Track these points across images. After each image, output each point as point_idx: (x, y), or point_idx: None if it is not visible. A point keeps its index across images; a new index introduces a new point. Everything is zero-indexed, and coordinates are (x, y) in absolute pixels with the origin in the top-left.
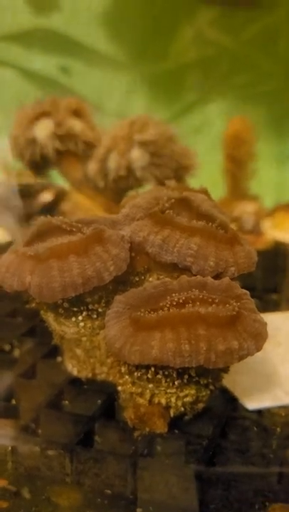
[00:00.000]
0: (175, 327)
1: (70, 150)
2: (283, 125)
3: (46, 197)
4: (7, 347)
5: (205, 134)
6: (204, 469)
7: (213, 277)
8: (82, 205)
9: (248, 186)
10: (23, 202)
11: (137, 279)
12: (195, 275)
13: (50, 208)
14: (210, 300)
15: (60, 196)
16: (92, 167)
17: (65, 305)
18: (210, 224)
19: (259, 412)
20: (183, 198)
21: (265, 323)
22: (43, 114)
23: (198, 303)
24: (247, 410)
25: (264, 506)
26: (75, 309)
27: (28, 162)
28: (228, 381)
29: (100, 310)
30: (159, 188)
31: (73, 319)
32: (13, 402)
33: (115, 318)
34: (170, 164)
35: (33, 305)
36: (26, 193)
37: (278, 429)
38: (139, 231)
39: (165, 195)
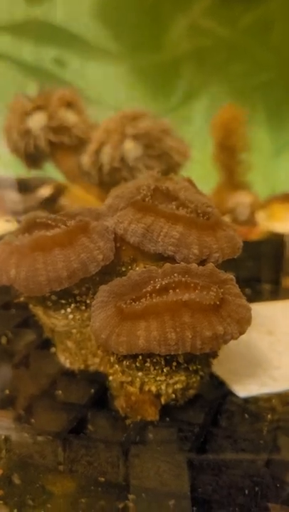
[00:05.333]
0: (160, 315)
1: (64, 142)
2: (278, 115)
3: (45, 191)
4: (1, 339)
5: (200, 125)
6: (195, 456)
7: (198, 264)
8: (81, 199)
9: (242, 177)
10: (22, 196)
11: (124, 269)
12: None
13: (49, 202)
14: (192, 285)
15: (59, 191)
16: (86, 159)
17: (53, 298)
18: (191, 211)
19: (249, 400)
20: (165, 186)
21: (250, 308)
22: (37, 106)
23: (181, 287)
24: (238, 398)
25: (253, 490)
26: (63, 302)
27: (22, 154)
28: (219, 369)
29: (88, 301)
30: (142, 178)
31: (62, 312)
32: (7, 392)
33: (100, 308)
34: (164, 156)
35: (22, 299)
36: (25, 187)
37: (268, 416)
38: (121, 223)
39: (147, 184)
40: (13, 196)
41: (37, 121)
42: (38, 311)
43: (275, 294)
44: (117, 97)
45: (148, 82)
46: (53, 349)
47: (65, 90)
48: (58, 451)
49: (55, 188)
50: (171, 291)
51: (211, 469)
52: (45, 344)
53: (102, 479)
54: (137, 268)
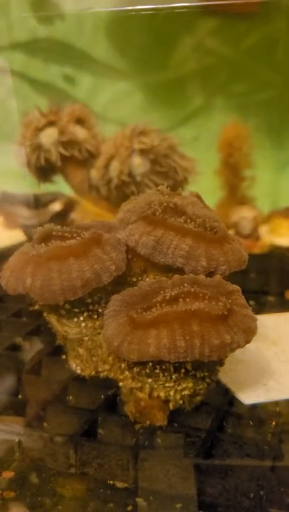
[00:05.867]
0: (170, 324)
1: (74, 155)
2: (281, 133)
3: (56, 206)
4: (14, 345)
5: (204, 142)
6: (202, 460)
7: (205, 276)
8: (91, 213)
9: (246, 193)
10: (34, 211)
11: (134, 279)
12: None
13: (60, 217)
14: (201, 295)
15: (69, 205)
16: (95, 173)
17: (67, 306)
18: (199, 225)
19: (254, 407)
20: (174, 202)
21: (255, 318)
22: (48, 122)
23: (190, 297)
24: (243, 404)
25: (258, 494)
26: (76, 310)
27: (33, 168)
28: (225, 377)
29: (100, 310)
30: (152, 194)
31: (75, 320)
32: (20, 397)
33: (113, 316)
34: (170, 171)
35: (36, 307)
36: (37, 202)
37: (273, 422)
38: (132, 235)
39: (157, 199)
40: (24, 211)
41: (48, 136)
42: (52, 319)
43: (279, 306)
44: (124, 114)
45: (155, 100)
46: (63, 356)
47: (75, 106)
48: (70, 454)
49: (66, 203)
50: (180, 300)
51: (218, 473)
52: (56, 351)
53: (112, 482)
54: (147, 279)
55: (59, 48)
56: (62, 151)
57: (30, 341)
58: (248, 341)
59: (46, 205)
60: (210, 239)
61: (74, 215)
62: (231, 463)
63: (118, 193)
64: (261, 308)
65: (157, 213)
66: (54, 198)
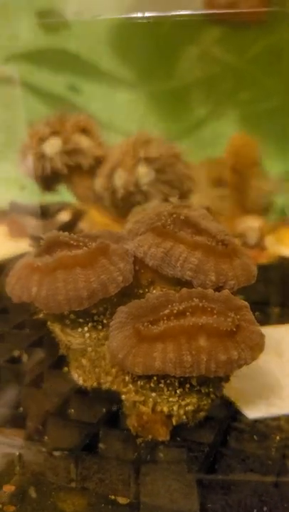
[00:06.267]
0: (176, 338)
1: (80, 164)
2: (286, 140)
3: (65, 216)
4: (15, 357)
5: (210, 151)
6: (205, 475)
7: (214, 290)
8: (99, 223)
9: (253, 202)
10: (42, 221)
11: (141, 291)
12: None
13: (69, 227)
14: (209, 309)
15: (78, 215)
16: (99, 183)
17: (72, 316)
18: (210, 239)
19: (258, 420)
20: (184, 213)
21: (263, 335)
22: (52, 132)
23: (198, 312)
24: (247, 418)
25: (261, 509)
26: (81, 320)
27: (38, 177)
28: (229, 391)
29: (104, 321)
30: (161, 205)
31: (79, 330)
32: (21, 410)
33: (118, 328)
34: (176, 181)
35: (40, 316)
36: (45, 212)
37: (277, 437)
38: (141, 246)
39: (167, 211)
40: (33, 221)
41: (52, 146)
42: (56, 328)
43: (285, 317)
44: (129, 123)
45: (160, 109)
46: (65, 368)
47: (81, 116)
48: (71, 468)
49: (75, 213)
50: (188, 314)
51: (220, 488)
52: (59, 363)
53: (113, 497)
54: (155, 291)
55: (64, 57)
56: (67, 160)
57: (32, 353)
58: (254, 358)
59: (54, 215)
60: (220, 253)
61: (82, 225)
62: (234, 478)
63: (123, 203)
64: (267, 319)
65: (167, 225)
66: (62, 207)
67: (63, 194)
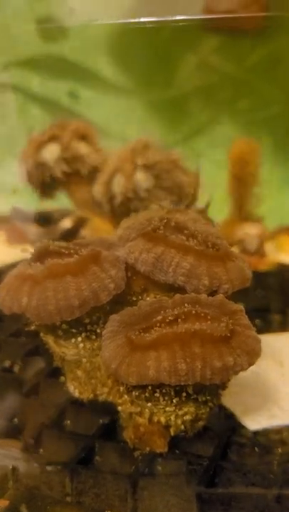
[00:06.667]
0: (170, 346)
1: (78, 171)
2: (285, 148)
3: (67, 223)
4: (10, 366)
5: (209, 159)
6: (205, 489)
7: (208, 295)
8: (102, 230)
9: (252, 209)
10: (44, 228)
11: (134, 298)
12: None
13: (71, 234)
14: (202, 315)
15: (80, 222)
16: (97, 189)
17: (64, 327)
18: (201, 242)
19: (259, 432)
20: (175, 218)
21: (259, 339)
22: (51, 138)
23: (192, 318)
24: (247, 430)
25: None
26: (73, 331)
27: (36, 184)
28: (228, 401)
29: (98, 331)
30: (152, 210)
31: (72, 341)
32: (16, 421)
33: (111, 337)
34: (174, 187)
35: (32, 327)
36: (47, 219)
37: (279, 449)
38: (132, 252)
39: (158, 216)
40: (35, 229)
41: (51, 153)
42: (49, 340)
43: (285, 325)
44: (127, 131)
45: (158, 117)
46: (62, 378)
47: (80, 123)
48: (66, 482)
49: (77, 220)
50: (181, 321)
51: (221, 503)
52: (55, 373)
53: None
54: (148, 298)
55: (63, 64)
56: (65, 167)
57: (28, 362)
58: (251, 364)
59: (57, 222)
60: (212, 256)
61: (84, 232)
62: (235, 492)
63: (121, 209)
64: (267, 327)
65: (158, 230)
66: (65, 214)
67: (62, 200)
